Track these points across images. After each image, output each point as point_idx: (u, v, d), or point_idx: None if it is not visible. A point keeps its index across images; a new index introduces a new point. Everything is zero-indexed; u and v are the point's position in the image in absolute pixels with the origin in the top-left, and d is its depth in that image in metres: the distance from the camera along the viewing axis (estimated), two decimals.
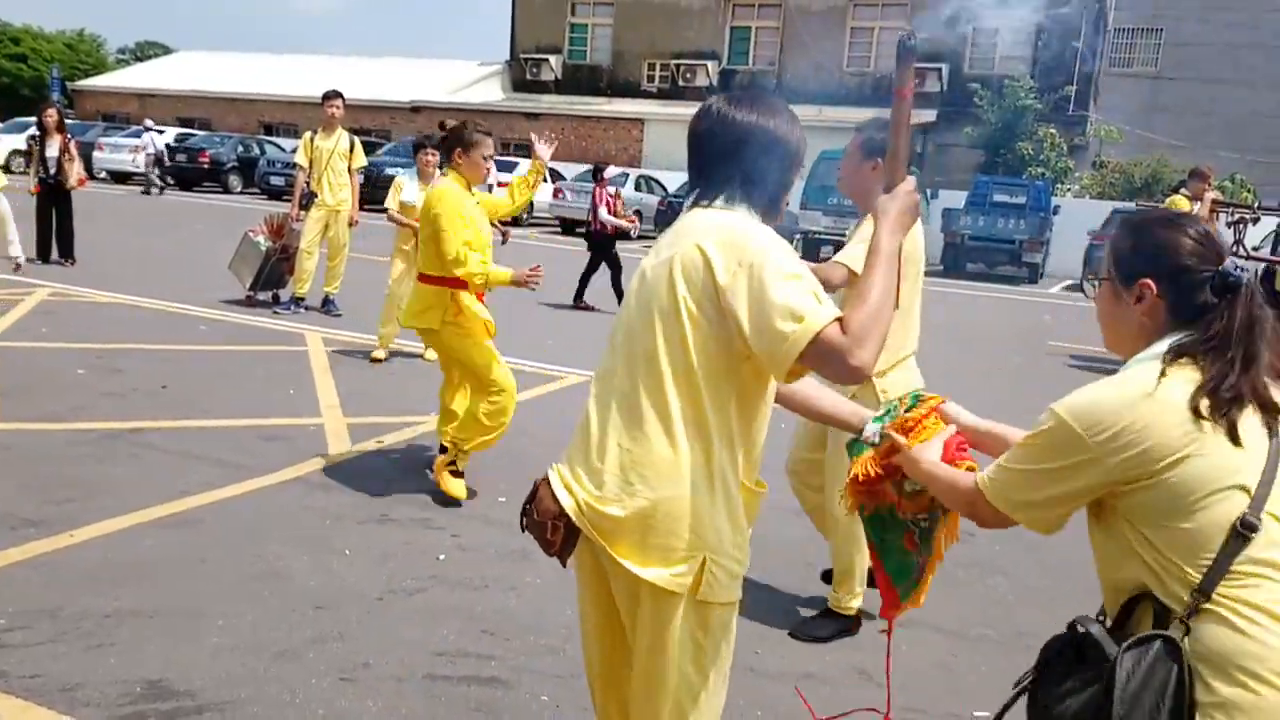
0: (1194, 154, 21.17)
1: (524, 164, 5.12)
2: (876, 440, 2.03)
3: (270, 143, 28.58)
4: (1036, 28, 25.75)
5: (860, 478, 2.03)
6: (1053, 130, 24.36)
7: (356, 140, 9.28)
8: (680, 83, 29.23)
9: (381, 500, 4.54)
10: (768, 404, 1.91)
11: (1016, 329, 12.67)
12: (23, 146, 16.40)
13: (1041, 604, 4.00)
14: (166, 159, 25.05)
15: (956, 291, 16.82)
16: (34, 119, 12.84)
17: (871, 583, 3.54)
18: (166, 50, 51.67)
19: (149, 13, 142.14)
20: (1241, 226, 10.46)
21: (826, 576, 3.87)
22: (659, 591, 1.79)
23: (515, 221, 22.70)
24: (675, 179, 23.32)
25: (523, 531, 1.96)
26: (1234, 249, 10.67)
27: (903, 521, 2.04)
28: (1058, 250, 21.27)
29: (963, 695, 3.24)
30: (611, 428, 1.84)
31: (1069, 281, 20.94)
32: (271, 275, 9.23)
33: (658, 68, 30.22)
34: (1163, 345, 1.62)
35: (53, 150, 11.13)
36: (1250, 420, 1.54)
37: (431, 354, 6.36)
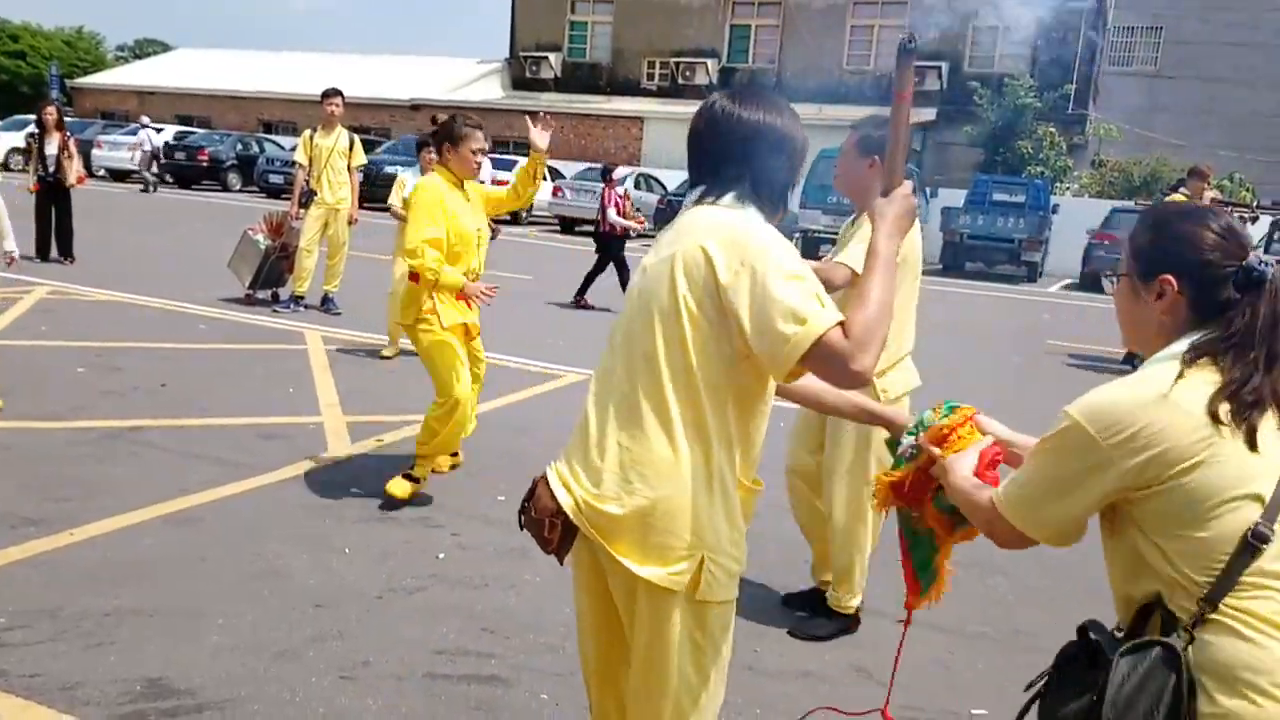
0: (1193, 153, 21.17)
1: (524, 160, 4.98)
2: (913, 453, 1.96)
3: (269, 141, 28.58)
4: (1036, 26, 25.76)
5: (901, 485, 1.99)
6: (1052, 129, 24.36)
7: (356, 138, 9.29)
8: (680, 81, 29.22)
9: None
10: (767, 403, 1.91)
11: (1015, 328, 12.67)
12: (22, 144, 16.35)
13: (1040, 604, 4.01)
14: (162, 156, 25.04)
15: (955, 290, 16.83)
16: (33, 116, 12.84)
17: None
18: (165, 48, 51.64)
19: (148, 10, 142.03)
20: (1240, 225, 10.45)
21: (788, 600, 3.83)
22: (656, 590, 1.79)
23: (514, 219, 22.73)
24: (675, 177, 23.30)
25: (521, 529, 1.97)
26: None
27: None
28: (1057, 249, 21.28)
29: (961, 693, 3.24)
30: (610, 426, 1.84)
31: (1068, 280, 20.95)
32: (271, 274, 9.24)
33: (657, 66, 30.20)
34: (1182, 344, 1.56)
35: (52, 148, 11.12)
36: (1268, 425, 1.48)
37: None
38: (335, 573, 3.75)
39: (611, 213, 11.06)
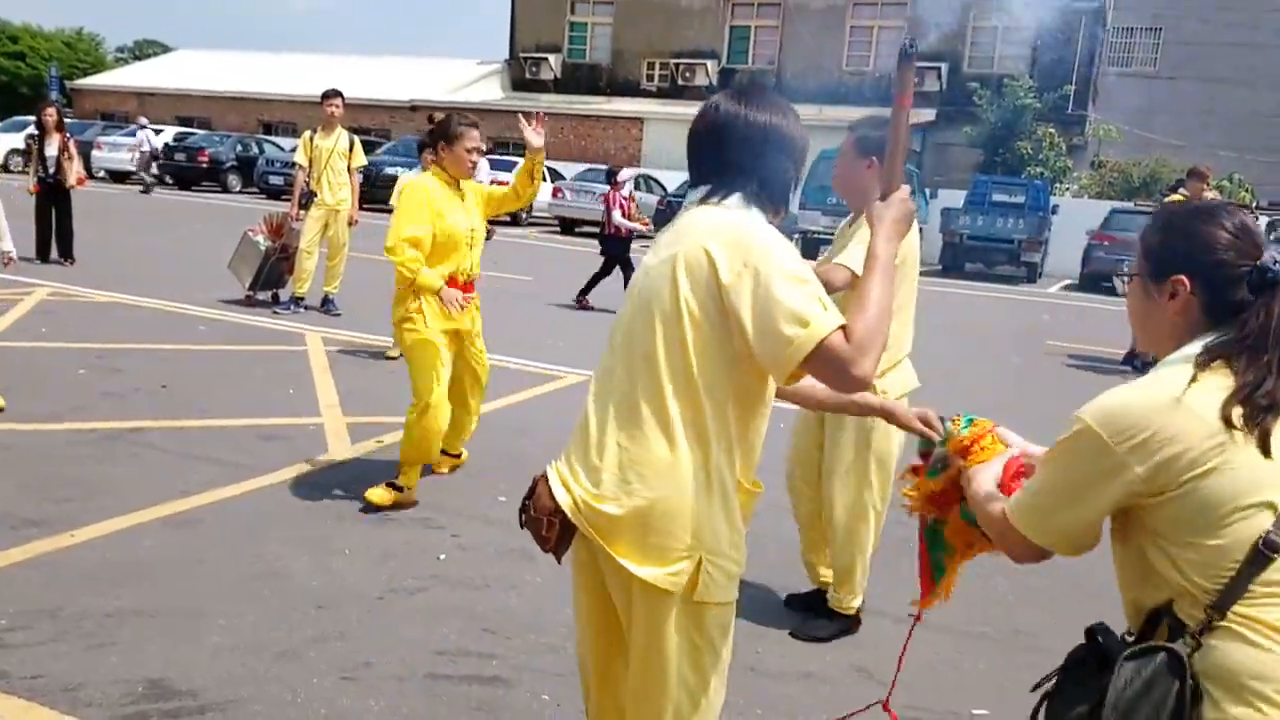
0: (1192, 154, 21.18)
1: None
2: (943, 464, 1.94)
3: (269, 142, 28.58)
4: (1036, 26, 25.77)
5: (936, 494, 1.98)
6: (1051, 130, 24.37)
7: (356, 139, 9.29)
8: (680, 82, 29.23)
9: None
10: (767, 405, 1.91)
11: (1015, 328, 12.67)
12: (21, 146, 16.37)
13: (1041, 604, 4.01)
14: (160, 157, 25.05)
15: (955, 291, 16.83)
16: (32, 118, 12.84)
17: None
18: (165, 49, 51.62)
19: (148, 11, 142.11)
20: None
21: (790, 602, 3.84)
22: (653, 590, 1.79)
23: (514, 220, 22.73)
24: (674, 178, 23.32)
25: (521, 527, 1.97)
26: None
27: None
28: (1056, 250, 21.28)
29: (962, 693, 3.25)
30: (610, 426, 1.84)
31: (1067, 281, 20.95)
32: (271, 275, 9.24)
33: (657, 67, 30.21)
34: (1195, 347, 1.53)
35: (52, 149, 11.13)
36: None
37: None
38: (336, 574, 3.75)
39: (617, 215, 11.07)
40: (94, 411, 5.51)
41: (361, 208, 9.48)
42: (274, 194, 23.82)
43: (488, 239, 5.59)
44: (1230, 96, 29.55)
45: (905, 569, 4.25)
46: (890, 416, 2.24)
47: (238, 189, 26.33)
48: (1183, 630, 1.44)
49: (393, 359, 7.44)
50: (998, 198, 20.38)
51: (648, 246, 2.08)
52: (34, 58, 44.45)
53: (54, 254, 11.12)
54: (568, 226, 23.12)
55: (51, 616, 3.22)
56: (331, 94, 9.02)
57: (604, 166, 24.17)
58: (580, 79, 31.43)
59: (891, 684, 2.38)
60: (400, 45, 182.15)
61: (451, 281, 4.45)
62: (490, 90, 32.34)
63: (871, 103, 23.73)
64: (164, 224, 16.94)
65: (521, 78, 32.01)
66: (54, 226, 11.17)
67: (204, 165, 26.03)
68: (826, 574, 3.74)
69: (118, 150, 25.96)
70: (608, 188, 11.50)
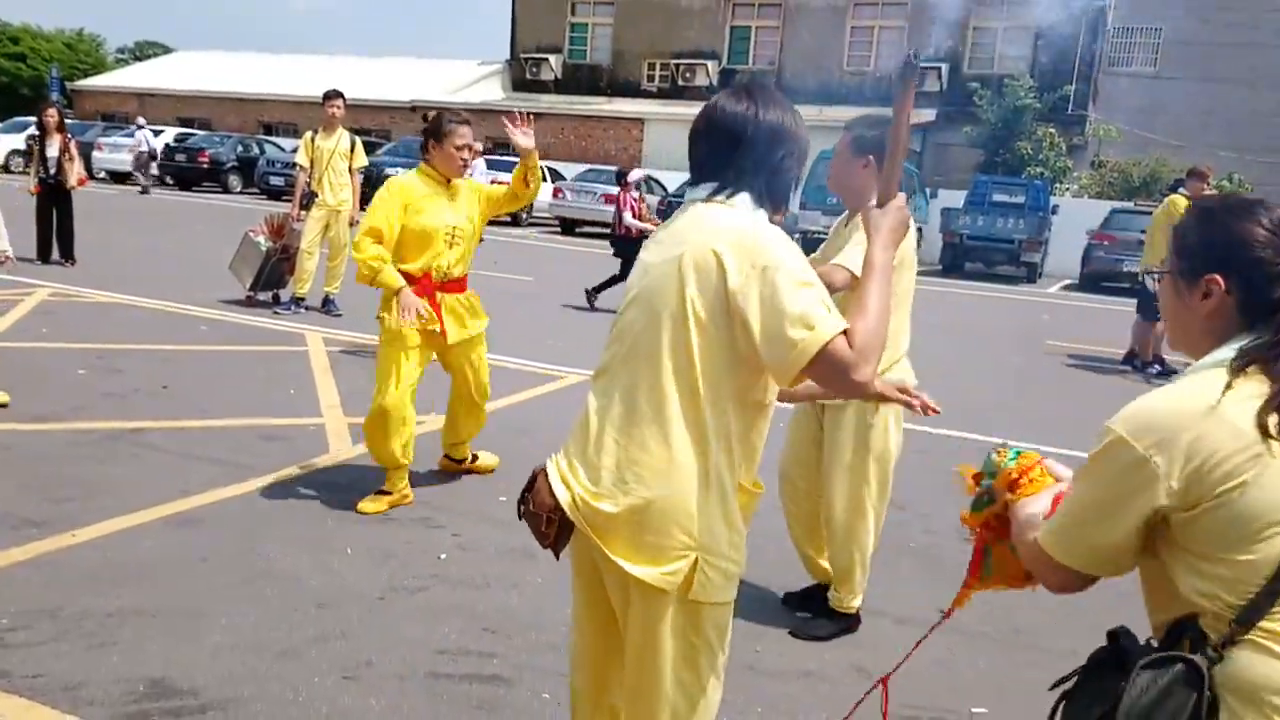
0: (1192, 153, 21.17)
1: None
2: (989, 498, 1.87)
3: (270, 142, 28.61)
4: (1036, 27, 25.78)
5: (987, 525, 1.90)
6: (1052, 130, 24.37)
7: (357, 140, 9.31)
8: (680, 82, 29.24)
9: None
10: (768, 406, 1.91)
11: (1015, 328, 12.67)
12: (22, 146, 16.40)
13: (1040, 603, 4.00)
14: (158, 157, 25.06)
15: (955, 291, 16.84)
16: (33, 119, 12.85)
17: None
18: (166, 50, 51.65)
19: (148, 12, 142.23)
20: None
21: (788, 600, 3.85)
22: (649, 589, 1.80)
23: (515, 220, 22.74)
24: (675, 179, 23.33)
25: (519, 519, 1.97)
26: None
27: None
28: (1056, 250, 21.29)
29: (960, 692, 3.25)
30: (610, 424, 1.84)
31: (1067, 281, 20.96)
32: (272, 275, 9.25)
33: (658, 67, 30.23)
34: (1229, 349, 1.45)
35: (53, 150, 11.14)
36: None
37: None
38: (337, 573, 3.76)
39: (627, 216, 11.09)
40: (95, 412, 5.52)
41: (362, 208, 9.45)
42: (274, 195, 23.85)
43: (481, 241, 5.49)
44: (1230, 96, 29.54)
45: (904, 568, 4.26)
46: (886, 399, 2.24)
47: (238, 190, 26.36)
48: (1205, 642, 1.39)
49: None
50: (998, 198, 20.39)
51: None
52: (35, 59, 44.49)
53: (55, 254, 11.13)
54: (568, 227, 23.14)
55: (52, 616, 3.22)
56: (332, 95, 9.04)
57: (604, 167, 24.28)
58: (581, 80, 31.44)
59: (886, 675, 2.37)
60: (401, 46, 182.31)
61: (425, 279, 4.38)
62: (491, 91, 32.35)
63: (872, 103, 23.75)
64: (165, 225, 16.95)
65: (522, 78, 32.03)
66: (55, 227, 11.18)
67: (205, 166, 26.07)
68: (826, 564, 3.75)
69: (118, 151, 25.98)
70: (616, 188, 11.52)
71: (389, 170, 20.26)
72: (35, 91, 40.06)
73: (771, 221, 1.87)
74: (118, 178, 26.18)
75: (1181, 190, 9.70)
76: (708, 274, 1.76)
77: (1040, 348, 11.01)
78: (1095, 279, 19.39)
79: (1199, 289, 1.51)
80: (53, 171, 11.15)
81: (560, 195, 22.62)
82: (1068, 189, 24.96)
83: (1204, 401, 1.39)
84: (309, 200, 9.11)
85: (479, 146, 4.63)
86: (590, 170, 23.85)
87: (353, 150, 9.13)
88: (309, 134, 9.19)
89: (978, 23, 26.50)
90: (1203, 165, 10.01)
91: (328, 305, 9.24)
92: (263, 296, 9.32)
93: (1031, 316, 14.33)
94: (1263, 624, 1.36)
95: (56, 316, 8.13)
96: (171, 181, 26.49)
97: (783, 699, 3.11)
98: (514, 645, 3.30)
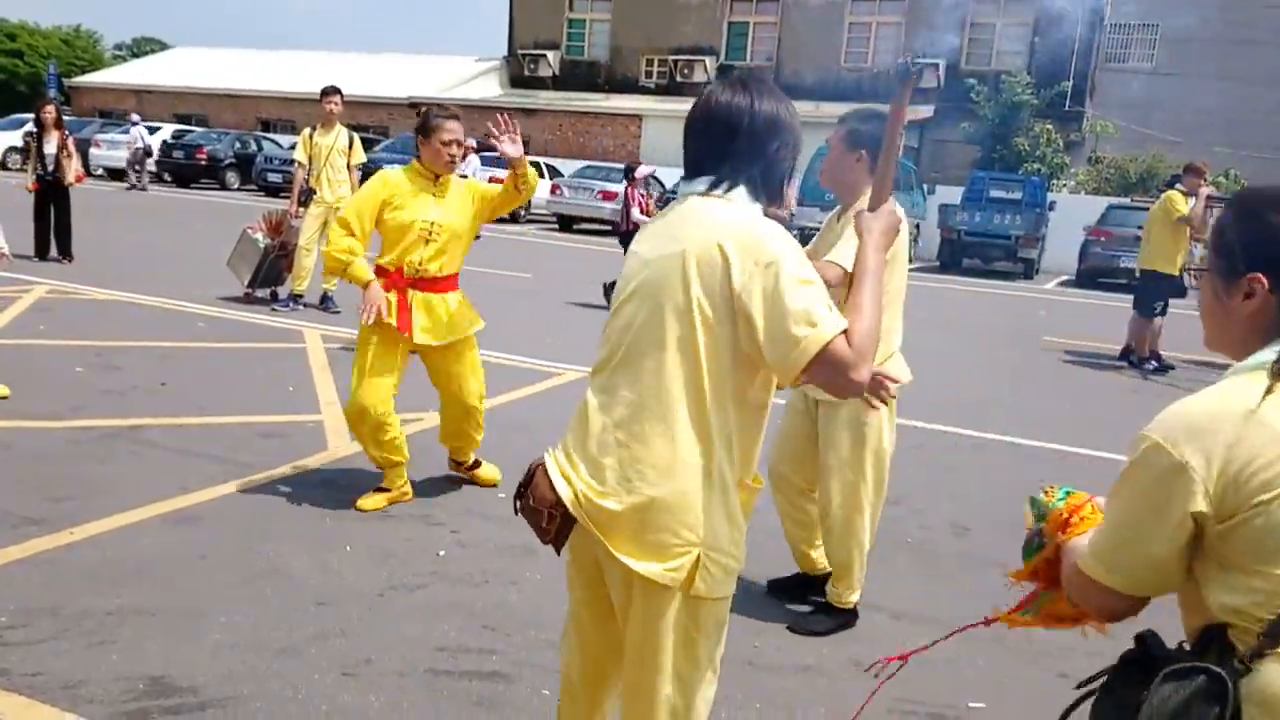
0: (1189, 149, 21.20)
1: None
2: (1039, 542, 1.79)
3: (268, 139, 28.59)
4: (1034, 23, 25.78)
5: (1034, 576, 1.83)
6: (1049, 126, 24.38)
7: (355, 136, 9.30)
8: (678, 78, 29.22)
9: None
10: (768, 404, 1.92)
11: (1011, 325, 12.69)
12: (19, 143, 16.36)
13: None
14: (153, 154, 25.02)
15: (952, 287, 16.84)
16: (30, 115, 12.83)
17: None
18: (163, 46, 51.61)
19: (146, 8, 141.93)
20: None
21: (774, 586, 3.88)
22: (651, 585, 1.80)
23: (513, 218, 22.72)
24: (674, 175, 23.30)
25: (516, 514, 1.97)
26: None
27: None
28: (1053, 246, 21.33)
29: (958, 688, 3.26)
30: (612, 421, 1.84)
31: (1064, 277, 20.99)
32: (270, 272, 9.25)
33: (655, 63, 30.20)
34: (1270, 352, 1.38)
35: (51, 147, 11.12)
36: None
37: None
38: (336, 571, 3.76)
39: (635, 212, 11.10)
40: (93, 409, 5.52)
41: None
42: (272, 191, 23.84)
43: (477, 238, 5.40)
44: (1228, 93, 29.55)
45: (900, 563, 4.27)
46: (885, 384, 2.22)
47: (236, 186, 26.34)
48: (1232, 653, 1.34)
49: None
50: (995, 194, 20.42)
51: None
52: (32, 55, 44.42)
53: (52, 251, 11.12)
54: (566, 223, 23.12)
55: (52, 614, 3.23)
56: (330, 91, 9.03)
57: (602, 164, 24.29)
58: (579, 76, 31.41)
59: (886, 666, 2.38)
60: (398, 42, 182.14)
61: (396, 274, 4.32)
62: (489, 87, 32.32)
63: (870, 99, 23.71)
64: (162, 222, 16.93)
65: (520, 75, 32.00)
66: (52, 224, 11.17)
67: (202, 163, 26.04)
68: (818, 558, 3.77)
69: (116, 148, 25.94)
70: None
71: (387, 167, 20.31)
72: (32, 88, 40.00)
73: (766, 214, 1.87)
74: (115, 174, 26.16)
75: (1178, 186, 9.71)
76: (712, 270, 1.76)
77: (1037, 344, 11.03)
78: (1092, 275, 19.41)
79: (1240, 289, 1.43)
80: (50, 168, 11.13)
81: (558, 192, 22.60)
82: (1065, 185, 24.98)
83: (1243, 406, 1.33)
84: (307, 197, 9.11)
85: (472, 143, 4.58)
86: (588, 167, 23.83)
87: (351, 147, 9.13)
88: (307, 130, 9.19)
89: (975, 19, 26.48)
90: (1199, 161, 10.03)
91: (326, 302, 9.24)
92: (261, 293, 9.32)
93: (1028, 312, 14.35)
94: None
95: (54, 314, 8.13)
96: (170, 178, 26.46)
97: (781, 693, 3.13)
98: (513, 642, 3.31)
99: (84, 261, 10.98)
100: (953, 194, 22.02)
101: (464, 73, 33.96)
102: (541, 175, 24.71)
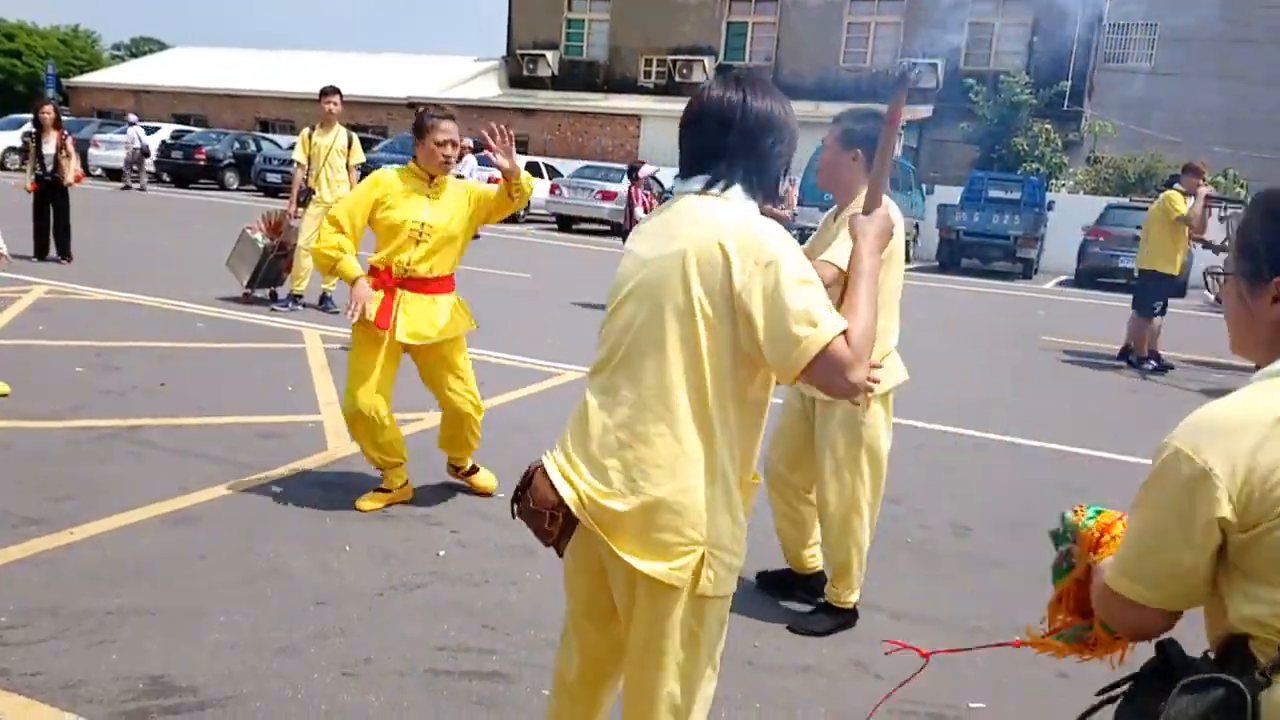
0: (1188, 149, 21.21)
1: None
2: (1068, 564, 1.74)
3: (266, 139, 28.58)
4: (1032, 23, 25.78)
5: (1063, 600, 1.76)
6: (1047, 126, 24.40)
7: (354, 136, 9.30)
8: (677, 78, 29.22)
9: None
10: (768, 401, 1.93)
11: (1010, 324, 12.70)
12: (18, 143, 16.36)
13: (1039, 599, 4.02)
14: (151, 154, 25.01)
15: (951, 287, 16.85)
16: (28, 115, 12.82)
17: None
18: (162, 46, 51.59)
19: (144, 8, 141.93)
20: (1235, 221, 10.51)
21: (760, 578, 3.89)
22: (657, 585, 1.80)
23: (512, 217, 22.69)
24: (672, 175, 23.34)
25: (513, 518, 1.96)
26: (1226, 243, 10.71)
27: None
28: (1052, 246, 21.35)
29: (959, 688, 3.26)
30: (614, 421, 1.84)
31: (1063, 277, 21.00)
32: (269, 272, 9.24)
33: (654, 63, 30.20)
34: None
35: (50, 147, 11.12)
36: None
37: None
38: (335, 571, 3.76)
39: (639, 211, 11.12)
40: (92, 409, 5.52)
41: None
42: (271, 191, 23.83)
43: (476, 236, 5.34)
44: (1226, 92, 29.57)
45: (900, 563, 4.28)
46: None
47: (235, 187, 26.33)
48: (1254, 665, 1.30)
49: None
50: (994, 194, 20.43)
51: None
52: (30, 55, 44.39)
53: (52, 252, 11.11)
54: (565, 223, 23.12)
55: (51, 614, 3.23)
56: (329, 91, 9.03)
57: (601, 164, 24.28)
58: (578, 76, 31.41)
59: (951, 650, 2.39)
60: (398, 42, 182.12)
61: (385, 273, 4.32)
62: (488, 87, 32.32)
63: (869, 99, 23.70)
64: (162, 222, 16.93)
65: (519, 74, 31.99)
66: (51, 224, 11.16)
67: (201, 163, 26.03)
68: (809, 557, 3.79)
69: (114, 148, 25.94)
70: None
71: (385, 167, 20.31)
72: (31, 88, 39.98)
73: (767, 214, 1.88)
74: (114, 175, 26.13)
75: (1177, 186, 9.72)
76: (713, 269, 1.76)
77: (1036, 343, 11.03)
78: (1091, 275, 19.43)
79: (1268, 292, 1.39)
80: (49, 168, 11.12)
81: (557, 192, 22.61)
82: (1063, 185, 25.00)
83: (1269, 413, 1.30)
84: (306, 197, 9.11)
85: (469, 143, 4.55)
86: (587, 167, 23.83)
87: (350, 147, 9.13)
88: (306, 130, 9.19)
89: (975, 19, 26.49)
90: (1198, 161, 10.05)
91: (325, 302, 9.24)
92: (260, 294, 9.31)
93: (1027, 312, 14.36)
94: None
95: (53, 314, 8.12)
96: (169, 178, 26.44)
97: (781, 693, 3.13)
98: (513, 642, 3.31)
99: (83, 262, 10.97)
100: (952, 194, 22.03)
101: (463, 73, 33.95)
102: (540, 175, 24.82)
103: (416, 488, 4.64)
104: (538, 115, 30.13)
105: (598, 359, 1.92)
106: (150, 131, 26.51)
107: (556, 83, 31.45)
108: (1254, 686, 1.26)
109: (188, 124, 32.32)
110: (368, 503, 4.40)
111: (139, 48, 56.35)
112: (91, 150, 25.67)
